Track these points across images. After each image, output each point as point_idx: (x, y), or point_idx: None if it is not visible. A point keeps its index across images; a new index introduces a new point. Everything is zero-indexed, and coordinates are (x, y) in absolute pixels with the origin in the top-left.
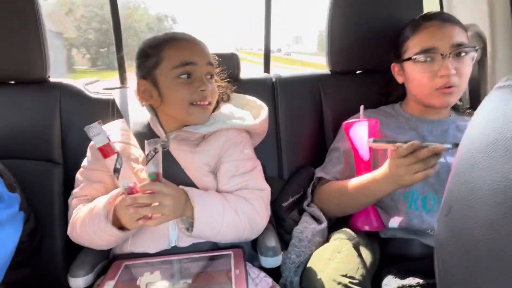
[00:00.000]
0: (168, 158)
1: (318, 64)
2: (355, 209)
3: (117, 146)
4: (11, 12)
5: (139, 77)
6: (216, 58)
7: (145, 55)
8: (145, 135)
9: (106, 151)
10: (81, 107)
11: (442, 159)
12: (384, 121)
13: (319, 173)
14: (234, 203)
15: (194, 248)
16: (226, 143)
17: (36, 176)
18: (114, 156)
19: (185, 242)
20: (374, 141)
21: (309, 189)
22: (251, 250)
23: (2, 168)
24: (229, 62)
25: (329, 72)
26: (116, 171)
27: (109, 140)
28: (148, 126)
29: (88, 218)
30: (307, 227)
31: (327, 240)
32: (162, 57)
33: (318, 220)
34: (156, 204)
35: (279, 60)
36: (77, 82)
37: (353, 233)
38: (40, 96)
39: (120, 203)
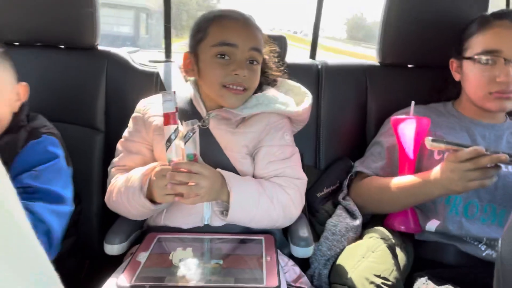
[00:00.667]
0: (207, 136)
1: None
2: (396, 209)
3: (158, 120)
4: None
5: (188, 49)
6: (275, 48)
7: (196, 28)
8: (186, 111)
9: (169, 118)
10: (126, 78)
11: None
12: (435, 119)
13: (358, 166)
14: (270, 191)
15: (226, 229)
16: (267, 127)
17: (77, 141)
18: (173, 127)
19: (218, 222)
20: (433, 141)
21: (346, 182)
22: (281, 237)
23: (63, 143)
24: (277, 45)
25: (378, 64)
26: (169, 141)
27: (176, 111)
28: (190, 102)
29: (123, 187)
30: (341, 221)
31: (360, 237)
32: (207, 33)
33: (352, 215)
34: (193, 184)
35: (297, 40)
36: (124, 52)
37: (388, 233)
38: (88, 63)
39: (155, 174)
